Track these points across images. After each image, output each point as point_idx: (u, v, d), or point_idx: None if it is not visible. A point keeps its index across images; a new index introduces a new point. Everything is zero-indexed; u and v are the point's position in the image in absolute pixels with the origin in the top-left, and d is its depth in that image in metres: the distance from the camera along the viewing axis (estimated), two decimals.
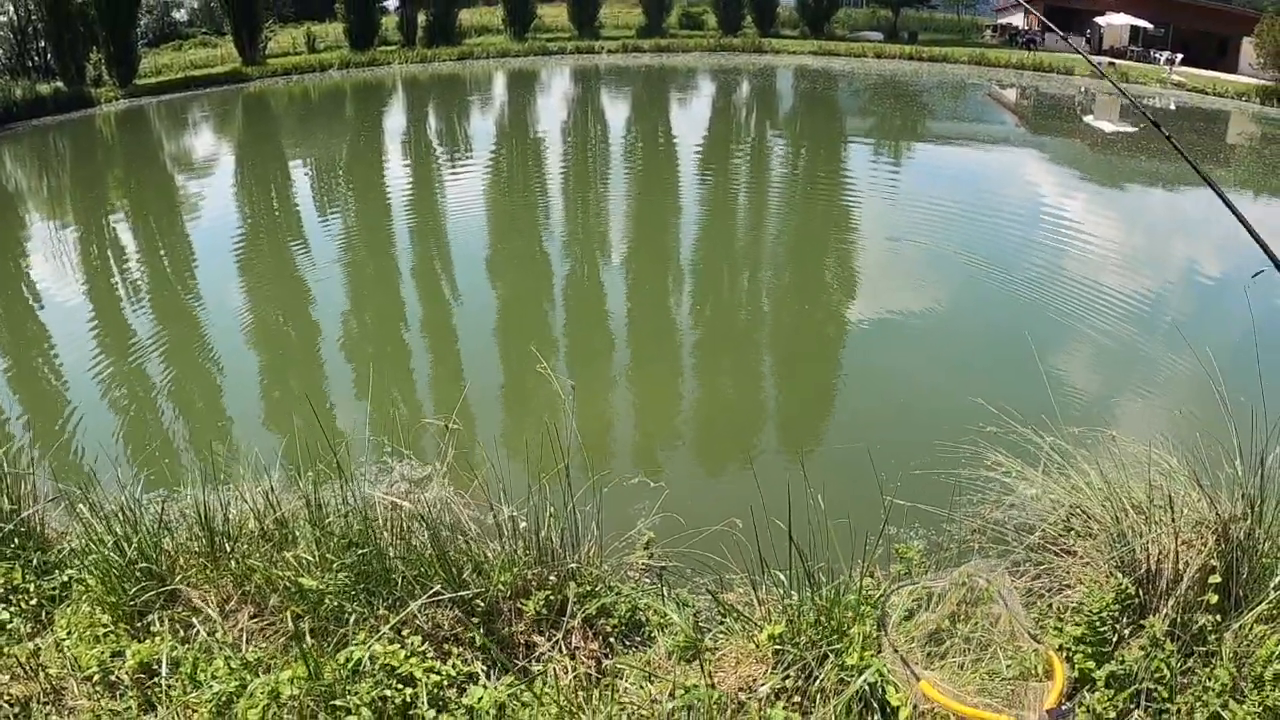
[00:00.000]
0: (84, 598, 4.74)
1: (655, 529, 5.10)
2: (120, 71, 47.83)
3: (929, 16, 75.41)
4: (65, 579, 5.01)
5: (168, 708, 4.00)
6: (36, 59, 49.23)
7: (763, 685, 4.28)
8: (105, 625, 4.52)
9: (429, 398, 11.27)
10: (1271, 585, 4.61)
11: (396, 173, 28.59)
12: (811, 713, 4.15)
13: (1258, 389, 5.13)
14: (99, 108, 44.62)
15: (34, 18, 48.66)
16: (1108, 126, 39.78)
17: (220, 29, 62.01)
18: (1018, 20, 69.01)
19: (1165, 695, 4.23)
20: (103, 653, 4.30)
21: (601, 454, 9.33)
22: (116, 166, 31.95)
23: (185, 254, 19.57)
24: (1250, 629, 4.44)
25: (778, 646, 4.38)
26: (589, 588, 4.73)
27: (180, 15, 73.57)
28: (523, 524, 4.93)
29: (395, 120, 41.14)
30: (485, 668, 4.29)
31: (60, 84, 45.60)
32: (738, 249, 19.50)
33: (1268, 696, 4.05)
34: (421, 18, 63.88)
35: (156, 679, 4.14)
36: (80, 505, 5.24)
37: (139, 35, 51.75)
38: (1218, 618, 4.48)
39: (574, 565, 4.81)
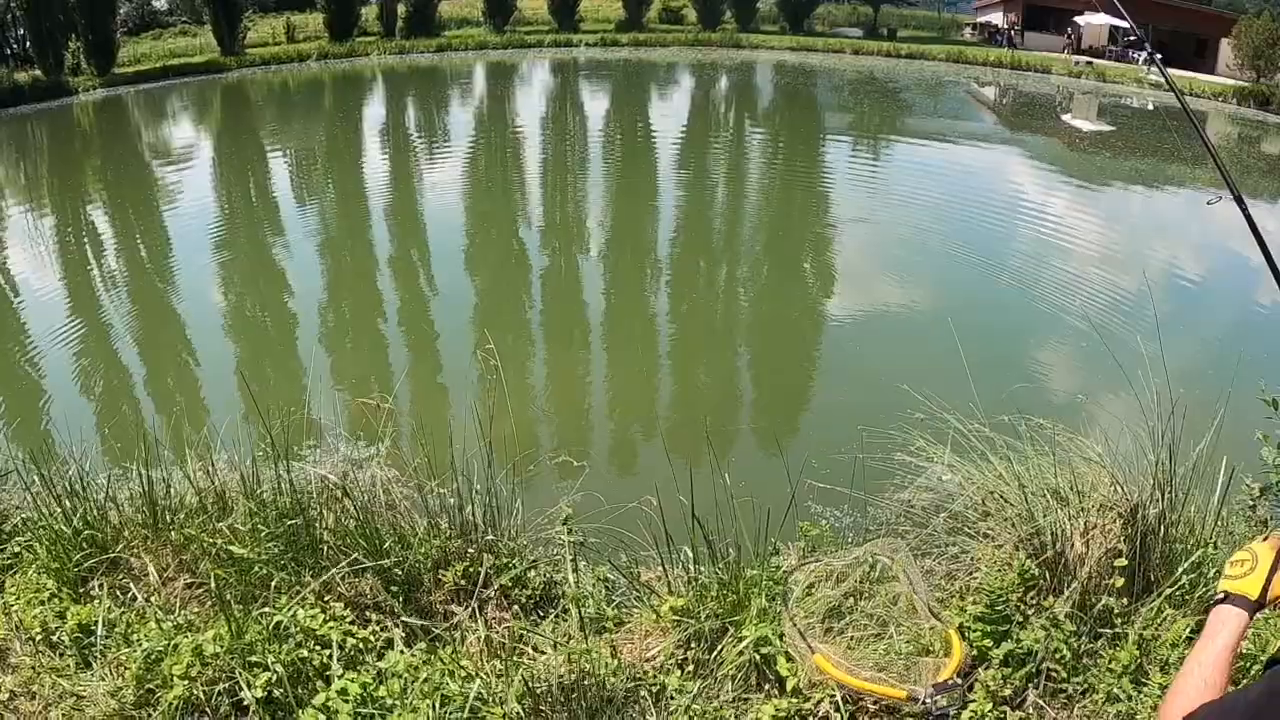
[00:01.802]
0: (32, 565, 4.97)
1: (578, 506, 5.29)
2: (99, 60, 47.51)
3: (909, 13, 75.66)
4: (17, 549, 5.24)
5: (101, 664, 4.27)
6: (15, 47, 48.94)
7: (661, 654, 4.50)
8: (50, 590, 4.76)
9: (383, 380, 11.44)
10: (1180, 569, 4.70)
11: (374, 164, 28.75)
12: (708, 680, 4.35)
13: (1178, 379, 5.31)
14: (77, 97, 44.35)
15: (12, 5, 48.16)
16: (1085, 125, 40.07)
17: (200, 18, 61.18)
18: (997, 19, 69.29)
19: (1064, 675, 4.33)
20: (45, 615, 4.54)
21: (533, 436, 9.60)
22: (94, 156, 31.89)
23: (161, 242, 19.75)
24: (1160, 612, 4.55)
25: (679, 618, 4.57)
26: (506, 560, 4.97)
27: (160, 4, 72.84)
28: (451, 500, 5.17)
29: (373, 111, 41.22)
30: (404, 634, 4.53)
31: (38, 72, 45.31)
32: (712, 241, 19.78)
33: (1171, 679, 4.12)
34: (401, 8, 63.70)
35: (93, 639, 4.40)
36: (35, 479, 5.46)
37: (118, 24, 51.29)
38: (1125, 600, 4.58)
39: (492, 538, 5.05)
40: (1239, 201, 3.64)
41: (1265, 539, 2.36)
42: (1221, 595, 2.29)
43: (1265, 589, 2.26)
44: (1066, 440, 5.55)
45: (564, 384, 11.83)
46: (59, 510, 5.12)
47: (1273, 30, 48.69)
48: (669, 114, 39.73)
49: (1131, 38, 51.32)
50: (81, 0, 46.17)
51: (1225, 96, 46.34)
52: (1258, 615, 2.30)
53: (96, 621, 4.42)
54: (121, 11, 54.09)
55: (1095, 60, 54.66)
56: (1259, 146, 37.93)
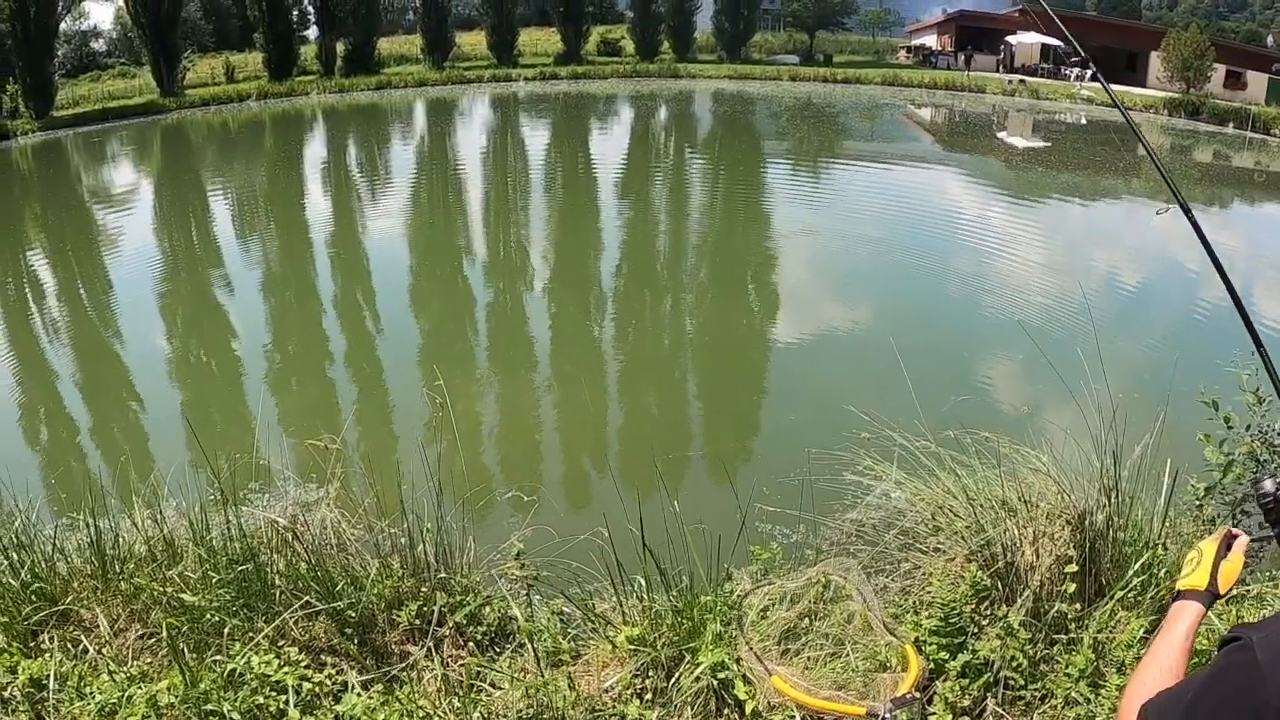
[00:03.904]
0: None
1: (529, 540, 5.27)
2: (37, 103, 47.04)
3: (844, 39, 76.41)
4: None
5: (55, 719, 4.22)
6: None
7: (619, 685, 4.50)
8: None
9: (331, 420, 11.37)
10: (1131, 571, 4.77)
11: (317, 203, 28.60)
12: (667, 708, 4.37)
13: (1120, 385, 5.36)
14: (15, 140, 43.81)
15: None
16: (1020, 142, 40.58)
17: (139, 59, 60.55)
18: (930, 41, 70.21)
19: (1021, 683, 4.35)
20: None
21: (483, 471, 9.66)
22: (34, 201, 31.46)
23: (103, 286, 19.52)
24: (1113, 614, 4.61)
25: (636, 648, 4.57)
26: (460, 598, 4.95)
27: (99, 45, 72.31)
28: (402, 540, 5.16)
29: (315, 150, 41.02)
30: (359, 677, 4.51)
31: None
32: (657, 269, 19.87)
33: (1127, 679, 4.12)
34: (340, 47, 63.60)
35: (45, 693, 4.34)
36: None
37: (56, 66, 50.70)
38: (1078, 605, 4.62)
39: (444, 576, 5.04)
40: (1185, 210, 3.69)
41: (1211, 536, 2.51)
42: (1176, 593, 2.42)
43: (1212, 577, 2.39)
44: (1012, 451, 5.58)
45: (512, 418, 11.82)
46: (5, 563, 5.06)
47: (1200, 42, 49.69)
48: (610, 144, 39.86)
49: (1074, 59, 51.98)
50: (19, 42, 45.71)
51: (1157, 108, 47.27)
52: (1216, 603, 2.44)
53: (48, 675, 4.36)
54: (60, 53, 53.37)
55: (1028, 79, 55.43)
56: (1191, 155, 38.67)
